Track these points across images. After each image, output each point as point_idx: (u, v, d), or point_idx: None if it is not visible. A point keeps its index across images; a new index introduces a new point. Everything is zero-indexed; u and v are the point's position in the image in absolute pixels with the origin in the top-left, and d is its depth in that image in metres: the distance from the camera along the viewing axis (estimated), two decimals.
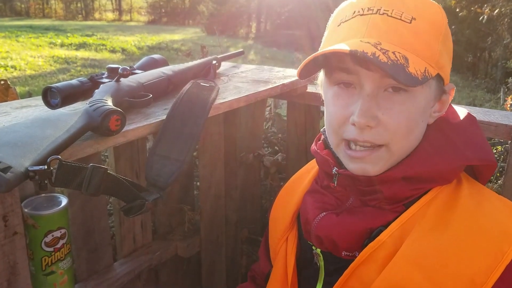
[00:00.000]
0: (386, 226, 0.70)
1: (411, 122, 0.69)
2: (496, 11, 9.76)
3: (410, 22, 0.67)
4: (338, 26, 0.73)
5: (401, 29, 0.67)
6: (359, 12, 0.70)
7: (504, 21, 10.60)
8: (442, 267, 0.64)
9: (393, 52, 0.64)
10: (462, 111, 0.78)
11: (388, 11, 0.68)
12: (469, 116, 0.76)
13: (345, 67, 0.69)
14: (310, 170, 0.93)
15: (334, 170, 0.76)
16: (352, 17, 0.70)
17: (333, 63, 0.70)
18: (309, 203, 0.82)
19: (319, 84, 0.82)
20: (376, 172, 0.71)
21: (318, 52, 0.68)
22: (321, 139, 0.86)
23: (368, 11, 0.69)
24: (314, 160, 0.94)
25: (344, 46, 0.64)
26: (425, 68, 0.65)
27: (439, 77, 0.70)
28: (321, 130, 0.86)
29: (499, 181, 1.44)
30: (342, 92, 0.72)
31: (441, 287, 0.63)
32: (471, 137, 0.74)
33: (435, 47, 0.67)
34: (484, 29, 12.06)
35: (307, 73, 0.74)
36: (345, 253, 0.74)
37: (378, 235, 0.70)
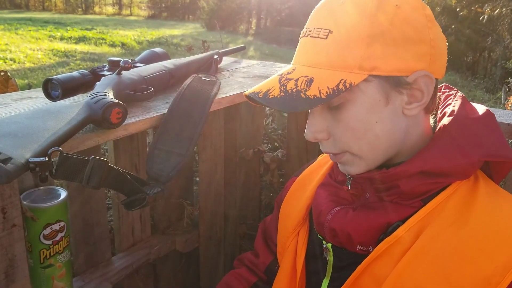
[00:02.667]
0: (403, 221, 0.70)
1: (357, 129, 0.70)
2: (497, 11, 9.77)
3: (326, 37, 0.69)
4: (300, 37, 0.77)
5: (317, 47, 0.69)
6: (303, 33, 0.74)
7: (504, 21, 10.62)
8: (458, 264, 0.64)
9: (296, 80, 0.68)
10: (480, 108, 0.77)
11: (311, 31, 0.71)
12: (487, 112, 0.75)
13: None
14: (323, 164, 0.92)
15: (348, 175, 0.77)
16: (299, 38, 0.75)
17: None
18: (323, 196, 0.81)
19: None
20: (356, 172, 0.74)
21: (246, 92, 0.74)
22: None
23: (303, 34, 0.74)
24: (326, 155, 0.94)
25: (250, 91, 0.71)
26: (340, 80, 0.66)
27: (380, 77, 0.68)
28: None
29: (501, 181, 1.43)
30: None
31: (456, 285, 0.63)
32: (490, 132, 0.73)
33: (353, 54, 0.67)
34: (484, 29, 12.07)
35: None
36: (359, 247, 0.73)
37: (395, 230, 0.69)
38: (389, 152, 0.73)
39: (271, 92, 0.68)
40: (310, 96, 0.65)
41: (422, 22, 0.68)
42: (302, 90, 0.66)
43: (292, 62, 0.75)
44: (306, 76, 0.68)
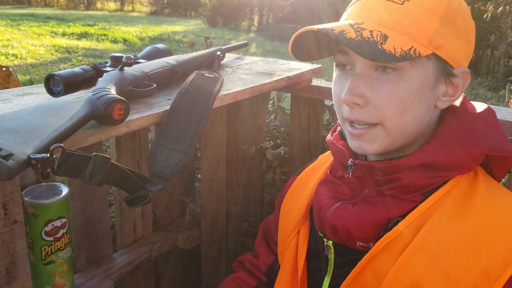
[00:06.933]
0: (403, 216, 0.70)
1: (402, 102, 0.69)
2: (500, 9, 9.73)
3: (402, 4, 0.69)
4: (346, 11, 0.76)
5: (390, 10, 0.69)
6: None
7: (507, 19, 10.58)
8: (457, 258, 0.64)
9: (370, 31, 0.66)
10: (481, 105, 0.78)
11: None
12: (488, 109, 0.76)
13: (340, 48, 0.73)
14: (324, 163, 0.93)
15: (349, 162, 0.77)
16: (354, 2, 0.74)
17: (332, 46, 0.74)
18: (323, 192, 0.81)
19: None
20: (373, 151, 0.73)
21: (296, 32, 0.72)
22: (337, 130, 0.87)
23: None
24: (327, 153, 0.94)
25: (320, 26, 0.68)
26: (411, 46, 0.65)
27: (438, 58, 0.69)
28: (338, 121, 0.86)
29: (503, 179, 1.43)
30: (341, 73, 0.75)
31: (456, 279, 0.63)
32: (490, 127, 0.73)
33: (427, 27, 0.67)
34: (487, 27, 12.03)
35: (307, 55, 0.78)
36: (360, 243, 0.73)
37: (395, 225, 0.69)
38: (408, 139, 0.74)
39: (347, 33, 0.65)
40: (386, 50, 0.64)
41: (472, 26, 0.73)
42: (379, 42, 0.65)
43: (353, 18, 0.71)
44: (380, 31, 0.66)
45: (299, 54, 0.77)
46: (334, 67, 0.79)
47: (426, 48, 0.67)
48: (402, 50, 0.64)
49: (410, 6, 0.68)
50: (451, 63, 0.70)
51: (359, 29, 0.66)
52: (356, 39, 0.64)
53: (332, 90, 0.78)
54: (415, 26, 0.67)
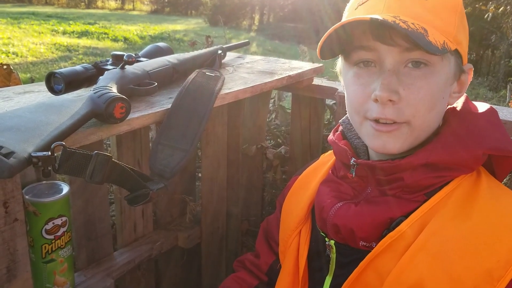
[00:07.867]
0: (406, 216, 0.70)
1: (433, 97, 0.69)
2: (501, 9, 9.73)
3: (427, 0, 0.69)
4: (355, 9, 0.74)
5: (418, 5, 0.68)
6: None
7: (508, 19, 10.57)
8: (460, 258, 0.64)
9: (412, 23, 0.65)
10: (483, 105, 0.78)
11: None
12: (490, 109, 0.76)
13: (364, 45, 0.70)
14: (325, 162, 0.93)
15: (352, 161, 0.76)
16: None
17: (353, 42, 0.71)
18: (325, 192, 0.81)
19: (338, 71, 0.81)
20: (397, 149, 0.71)
21: (338, 23, 0.69)
22: (339, 130, 0.86)
23: None
24: (329, 153, 0.94)
25: (373, 17, 0.65)
26: (444, 40, 0.65)
27: (457, 54, 0.70)
28: (340, 121, 0.87)
29: (504, 179, 1.43)
30: (362, 71, 0.72)
31: (458, 279, 0.63)
32: (493, 127, 0.73)
33: (452, 23, 0.68)
34: (488, 26, 12.03)
35: (327, 54, 0.75)
36: (363, 243, 0.73)
37: (398, 225, 0.69)
38: (426, 137, 0.73)
39: (398, 23, 0.63)
40: (432, 42, 0.63)
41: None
42: (424, 34, 0.64)
43: (381, 11, 0.68)
44: (418, 24, 0.65)
45: (325, 52, 0.74)
46: (342, 67, 0.78)
47: (452, 43, 0.67)
48: (440, 43, 0.64)
49: (435, 2, 0.68)
50: (463, 59, 0.72)
51: (402, 20, 0.64)
52: (409, 29, 0.63)
53: (349, 89, 0.75)
54: (442, 22, 0.68)
